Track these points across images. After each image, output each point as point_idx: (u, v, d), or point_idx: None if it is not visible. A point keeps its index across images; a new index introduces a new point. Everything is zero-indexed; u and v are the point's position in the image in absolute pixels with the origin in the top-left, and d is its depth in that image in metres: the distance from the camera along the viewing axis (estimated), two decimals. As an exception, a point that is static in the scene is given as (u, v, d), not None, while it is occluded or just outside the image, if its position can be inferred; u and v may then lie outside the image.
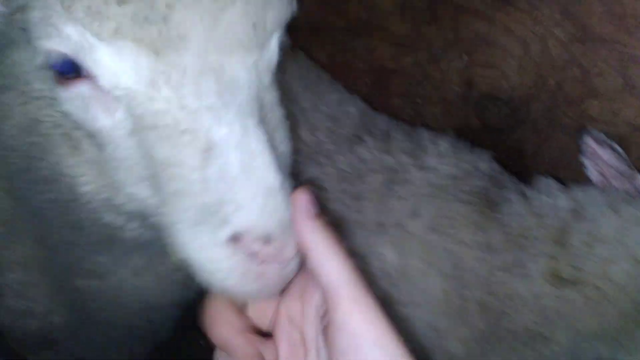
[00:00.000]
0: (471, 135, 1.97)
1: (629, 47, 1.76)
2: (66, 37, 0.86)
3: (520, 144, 2.03)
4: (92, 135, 0.94)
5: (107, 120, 0.91)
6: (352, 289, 0.79)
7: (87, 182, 0.99)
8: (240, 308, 0.89)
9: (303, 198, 0.83)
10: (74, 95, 0.91)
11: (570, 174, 1.88)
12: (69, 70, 0.89)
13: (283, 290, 0.87)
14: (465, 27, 2.07)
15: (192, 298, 1.29)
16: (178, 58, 0.84)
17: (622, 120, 1.86)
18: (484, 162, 1.78)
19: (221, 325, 0.86)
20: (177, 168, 0.84)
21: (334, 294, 0.78)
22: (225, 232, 0.81)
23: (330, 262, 0.80)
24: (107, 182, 0.97)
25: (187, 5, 0.83)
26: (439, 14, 2.11)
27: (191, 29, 0.83)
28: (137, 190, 0.93)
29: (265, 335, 0.88)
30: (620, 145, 1.80)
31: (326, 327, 0.81)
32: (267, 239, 0.81)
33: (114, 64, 0.86)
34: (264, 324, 0.89)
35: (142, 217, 0.98)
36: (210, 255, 0.83)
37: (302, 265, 0.85)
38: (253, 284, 0.83)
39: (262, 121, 0.89)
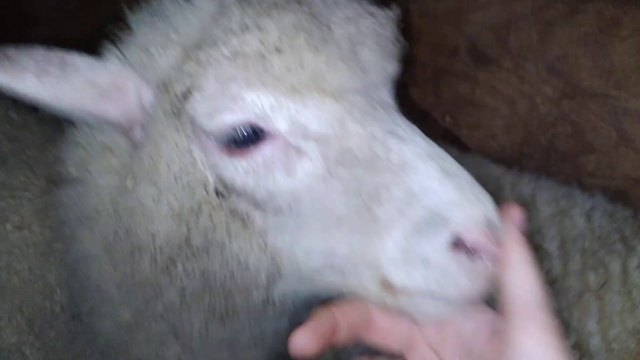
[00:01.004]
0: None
1: (621, 100, 1.76)
2: (250, 104, 0.91)
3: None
4: (264, 203, 0.96)
5: (289, 178, 0.94)
6: (542, 313, 0.76)
7: (256, 257, 0.99)
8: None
9: (518, 211, 0.85)
10: (252, 162, 0.94)
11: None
12: (248, 139, 0.93)
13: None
14: (448, 89, 2.00)
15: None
16: (353, 96, 0.94)
17: (620, 174, 1.82)
18: None
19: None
20: (381, 193, 0.88)
21: (521, 314, 0.76)
22: (447, 235, 0.83)
23: (526, 281, 0.78)
24: (279, 249, 0.99)
25: (368, 49, 1.00)
26: (418, 77, 2.04)
27: (368, 69, 0.98)
28: (325, 241, 0.93)
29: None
30: (620, 199, 1.74)
31: (491, 340, 0.81)
32: (488, 225, 0.83)
33: (301, 116, 0.93)
34: (393, 342, 0.90)
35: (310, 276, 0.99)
36: (436, 263, 0.84)
37: None
38: (472, 282, 0.83)
39: None
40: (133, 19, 1.08)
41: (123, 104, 1.03)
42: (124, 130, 1.05)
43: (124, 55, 1.05)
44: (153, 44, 1.03)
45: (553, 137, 1.88)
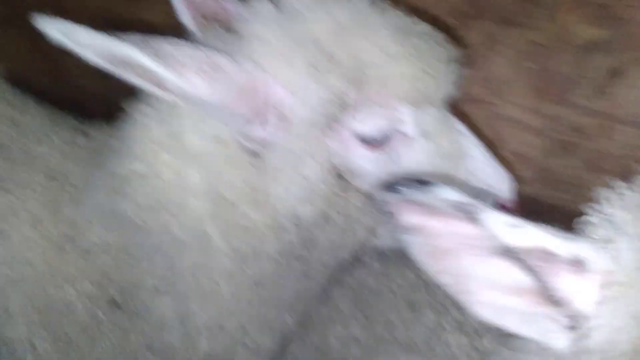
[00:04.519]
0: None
1: (497, 107, 2.01)
2: (400, 114, 1.31)
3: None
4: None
5: (409, 162, 1.36)
6: None
7: (366, 223, 1.38)
8: None
9: None
10: (384, 153, 1.33)
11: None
12: (385, 137, 1.31)
13: None
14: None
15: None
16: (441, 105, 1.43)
17: (496, 170, 1.97)
18: None
19: None
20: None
21: None
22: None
23: None
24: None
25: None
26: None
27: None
28: None
29: None
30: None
31: None
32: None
33: (421, 120, 1.34)
34: None
35: None
36: None
37: None
38: None
39: None
40: (255, 18, 1.28)
41: (254, 102, 1.19)
42: (247, 125, 1.22)
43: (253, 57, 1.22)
44: (290, 50, 1.21)
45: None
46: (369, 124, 1.29)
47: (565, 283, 0.73)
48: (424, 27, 1.39)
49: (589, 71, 1.86)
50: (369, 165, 1.33)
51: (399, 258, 1.51)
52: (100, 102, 2.80)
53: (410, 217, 0.82)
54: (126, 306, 1.41)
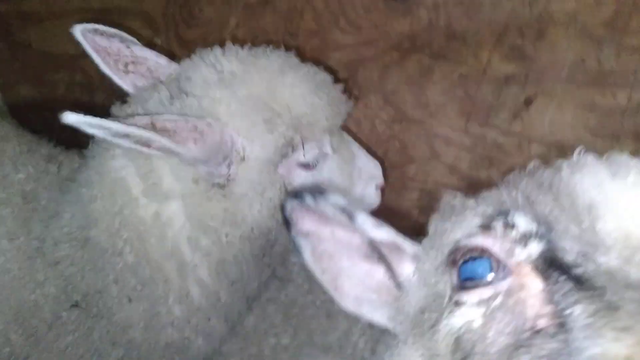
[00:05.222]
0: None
1: (433, 126, 2.39)
2: (321, 141, 1.84)
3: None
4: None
5: (330, 172, 1.92)
6: None
7: None
8: None
9: None
10: (315, 172, 1.84)
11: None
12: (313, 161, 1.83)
13: None
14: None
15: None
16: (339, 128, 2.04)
17: (432, 180, 2.37)
18: None
19: None
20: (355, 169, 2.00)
21: None
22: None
23: None
24: None
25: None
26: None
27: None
28: None
29: None
30: (433, 200, 2.25)
31: None
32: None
33: (325, 144, 1.91)
34: None
35: None
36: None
37: None
38: None
39: None
40: (200, 81, 1.65)
41: (222, 150, 1.59)
42: (216, 166, 1.60)
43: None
44: (245, 108, 1.62)
45: (386, 150, 2.41)
46: (307, 154, 1.74)
47: (405, 268, 1.07)
48: (328, 77, 1.86)
49: (506, 99, 2.26)
50: (306, 181, 1.77)
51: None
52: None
53: (307, 223, 1.05)
54: (89, 309, 1.67)
